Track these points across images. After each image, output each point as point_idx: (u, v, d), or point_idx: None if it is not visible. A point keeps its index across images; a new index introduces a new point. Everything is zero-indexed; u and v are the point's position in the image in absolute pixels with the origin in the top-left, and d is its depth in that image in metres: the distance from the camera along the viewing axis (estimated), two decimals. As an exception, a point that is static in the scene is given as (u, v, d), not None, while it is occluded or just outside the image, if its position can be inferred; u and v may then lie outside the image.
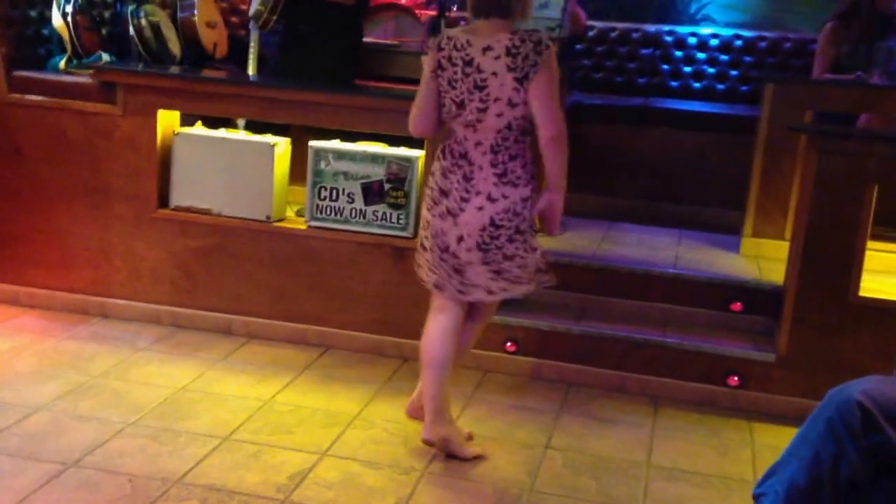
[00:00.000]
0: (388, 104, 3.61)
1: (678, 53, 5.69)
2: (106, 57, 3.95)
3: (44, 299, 3.91)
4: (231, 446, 2.87)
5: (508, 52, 2.61)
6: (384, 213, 3.63)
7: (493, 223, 2.70)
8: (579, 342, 3.55)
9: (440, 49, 2.69)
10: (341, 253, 3.68)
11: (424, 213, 2.84)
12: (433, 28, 3.99)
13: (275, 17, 3.90)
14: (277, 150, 3.71)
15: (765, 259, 4.04)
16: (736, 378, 3.42)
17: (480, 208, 2.69)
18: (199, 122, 3.91)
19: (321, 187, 3.68)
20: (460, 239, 2.73)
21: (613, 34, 5.70)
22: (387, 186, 3.62)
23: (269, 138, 3.74)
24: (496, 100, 2.63)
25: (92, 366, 3.39)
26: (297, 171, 3.86)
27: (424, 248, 2.85)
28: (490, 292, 2.80)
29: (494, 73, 2.62)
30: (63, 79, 3.82)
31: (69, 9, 3.89)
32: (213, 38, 4.12)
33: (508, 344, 3.59)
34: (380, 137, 3.70)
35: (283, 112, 3.72)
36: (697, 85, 5.67)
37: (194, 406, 3.12)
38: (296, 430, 3.01)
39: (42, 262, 3.90)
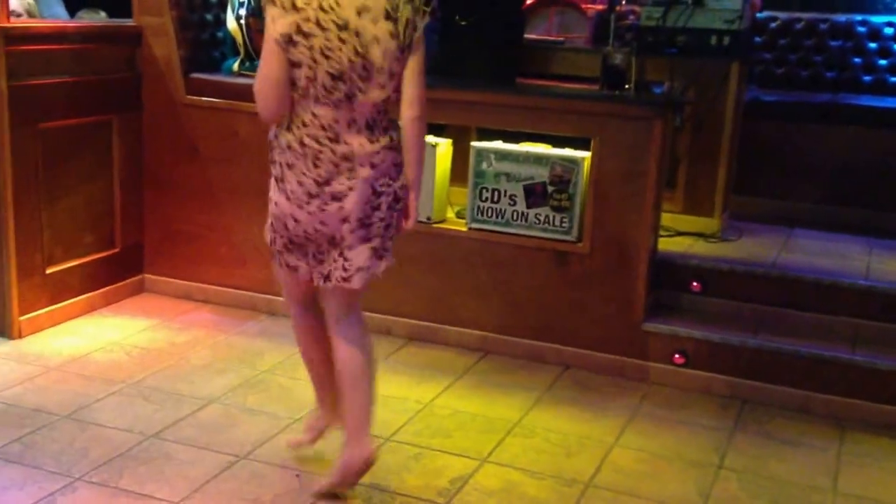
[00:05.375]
0: (553, 103, 3.55)
1: (872, 45, 5.24)
2: (275, 59, 4.04)
3: (214, 295, 4.06)
4: (393, 447, 2.87)
5: (388, 16, 2.27)
6: (547, 216, 3.53)
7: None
8: (756, 357, 3.34)
9: (297, 9, 2.22)
10: (502, 256, 3.61)
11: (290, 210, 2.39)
12: None
13: (427, 9, 3.84)
14: (439, 150, 3.69)
15: (971, 271, 3.70)
16: (937, 403, 3.12)
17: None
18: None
19: (482, 188, 3.62)
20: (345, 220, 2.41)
21: (798, 25, 5.32)
22: (550, 189, 3.51)
23: (430, 139, 3.72)
24: (379, 70, 2.29)
25: (260, 361, 3.48)
26: (458, 171, 3.82)
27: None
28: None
29: (376, 40, 2.28)
30: (236, 81, 3.93)
31: (242, 12, 4.01)
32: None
33: (677, 356, 3.42)
34: (543, 138, 3.62)
35: (441, 112, 3.67)
36: (894, 79, 5.20)
37: (356, 405, 3.14)
38: (455, 434, 2.97)
39: (214, 259, 4.06)
